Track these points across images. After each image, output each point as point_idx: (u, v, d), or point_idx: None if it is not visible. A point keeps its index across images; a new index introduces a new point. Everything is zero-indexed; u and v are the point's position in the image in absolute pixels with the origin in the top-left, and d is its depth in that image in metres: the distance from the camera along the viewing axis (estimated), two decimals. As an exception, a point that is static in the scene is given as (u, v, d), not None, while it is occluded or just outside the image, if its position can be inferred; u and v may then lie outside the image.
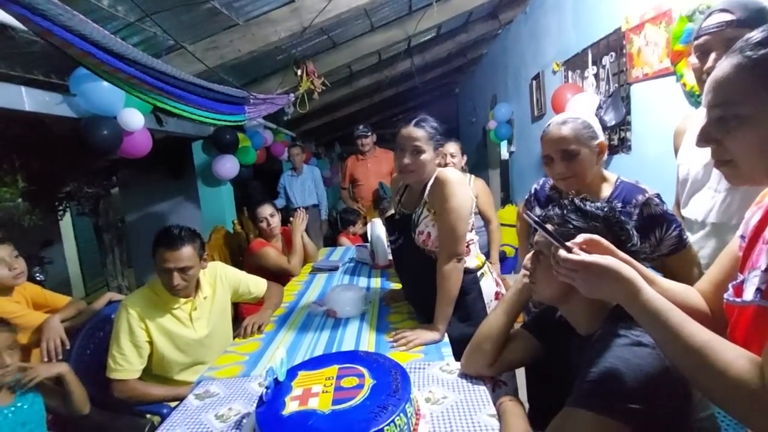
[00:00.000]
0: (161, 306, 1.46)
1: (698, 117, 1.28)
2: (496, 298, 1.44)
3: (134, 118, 2.01)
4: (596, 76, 2.62)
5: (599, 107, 2.42)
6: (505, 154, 5.04)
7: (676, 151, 1.34)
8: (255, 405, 1.03)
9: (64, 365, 1.31)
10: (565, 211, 0.88)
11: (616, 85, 2.41)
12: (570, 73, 2.97)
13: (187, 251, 1.40)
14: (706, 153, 0.59)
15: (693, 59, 1.10)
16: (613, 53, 2.41)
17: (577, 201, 0.89)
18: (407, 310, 1.60)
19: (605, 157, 1.22)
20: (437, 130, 1.40)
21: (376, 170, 4.15)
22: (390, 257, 2.34)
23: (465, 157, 2.47)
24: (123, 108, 1.97)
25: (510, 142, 4.54)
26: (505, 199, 5.05)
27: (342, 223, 3.42)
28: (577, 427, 0.70)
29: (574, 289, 0.87)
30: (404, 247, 1.48)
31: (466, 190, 1.36)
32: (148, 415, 1.47)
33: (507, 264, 3.93)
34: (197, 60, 2.20)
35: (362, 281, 2.13)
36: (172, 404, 1.46)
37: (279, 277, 2.21)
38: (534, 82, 3.63)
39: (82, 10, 1.12)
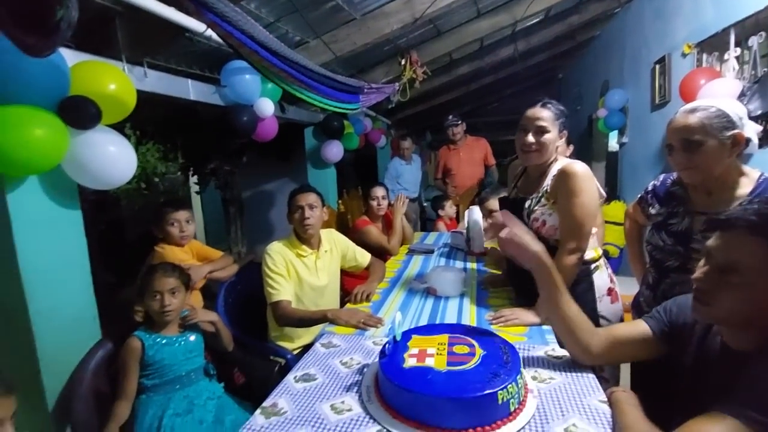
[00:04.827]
0: (294, 253, 1.77)
1: None
2: (609, 294, 1.41)
3: (267, 106, 2.31)
4: (739, 59, 2.30)
5: (742, 95, 2.14)
6: (614, 145, 4.64)
7: None
8: (373, 358, 1.19)
9: (214, 314, 1.63)
10: None
11: (765, 69, 2.09)
12: (705, 55, 2.63)
13: (313, 195, 1.80)
14: None
15: None
16: (763, 32, 2.10)
17: None
18: (507, 296, 1.63)
19: (744, 149, 1.11)
20: (563, 113, 1.39)
21: (468, 158, 4.18)
22: (486, 245, 2.37)
23: (571, 147, 2.35)
24: (259, 97, 2.28)
25: (621, 133, 4.16)
26: (611, 195, 4.66)
27: (434, 206, 3.56)
28: None
29: (756, 318, 0.77)
30: None
31: (594, 185, 1.33)
32: (272, 357, 1.74)
33: (611, 264, 3.67)
34: (320, 53, 2.42)
35: (458, 265, 2.18)
36: (295, 351, 1.72)
37: (378, 255, 2.37)
38: (657, 66, 3.27)
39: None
